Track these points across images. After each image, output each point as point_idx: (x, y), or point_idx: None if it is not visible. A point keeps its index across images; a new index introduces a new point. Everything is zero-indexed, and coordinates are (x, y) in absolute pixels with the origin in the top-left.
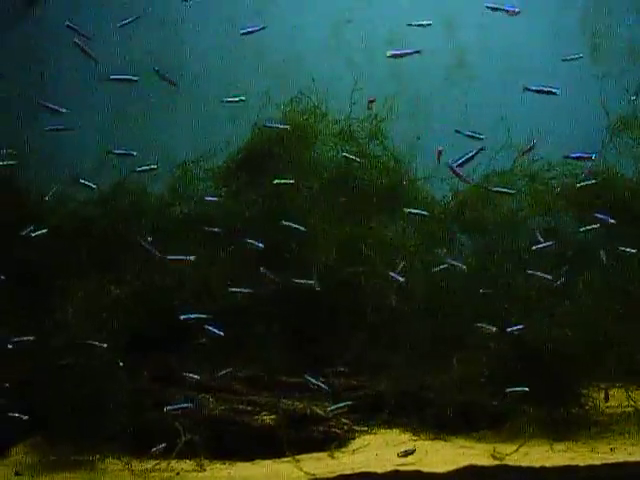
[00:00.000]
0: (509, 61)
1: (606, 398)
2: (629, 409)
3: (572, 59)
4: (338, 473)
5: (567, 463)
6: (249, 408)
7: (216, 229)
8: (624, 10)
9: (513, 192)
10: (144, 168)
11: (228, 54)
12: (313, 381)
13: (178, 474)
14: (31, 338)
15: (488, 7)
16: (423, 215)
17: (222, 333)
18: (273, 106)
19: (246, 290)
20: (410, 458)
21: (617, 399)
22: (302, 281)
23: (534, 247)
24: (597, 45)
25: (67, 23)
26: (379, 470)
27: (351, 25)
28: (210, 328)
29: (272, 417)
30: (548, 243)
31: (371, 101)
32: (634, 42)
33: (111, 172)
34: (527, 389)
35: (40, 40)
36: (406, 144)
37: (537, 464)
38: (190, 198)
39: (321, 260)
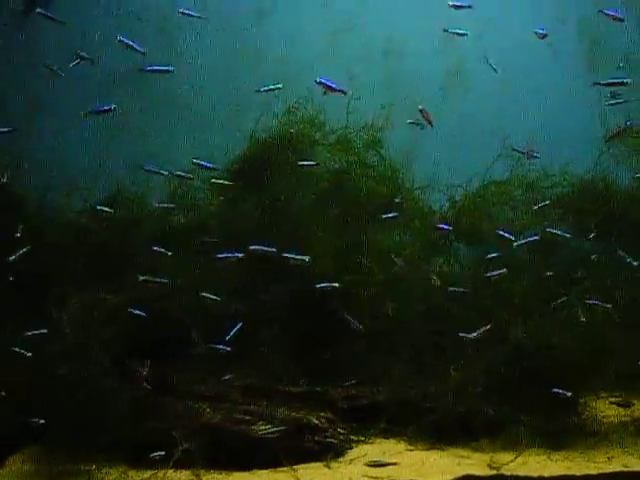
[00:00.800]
0: (505, 70)
1: (626, 405)
2: (626, 418)
3: None
4: None
5: (564, 472)
6: (246, 417)
7: (214, 239)
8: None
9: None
10: (181, 174)
11: (226, 62)
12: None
13: None
14: (44, 331)
15: (451, 5)
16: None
17: (229, 348)
18: (271, 115)
19: (214, 297)
20: (407, 468)
21: (614, 408)
22: (325, 284)
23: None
24: (593, 54)
25: (38, 10)
26: None
27: (349, 33)
28: (219, 346)
29: (269, 426)
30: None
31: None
32: (630, 51)
33: (109, 181)
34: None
35: (39, 46)
36: (403, 153)
37: (534, 473)
38: (188, 207)
39: (319, 268)
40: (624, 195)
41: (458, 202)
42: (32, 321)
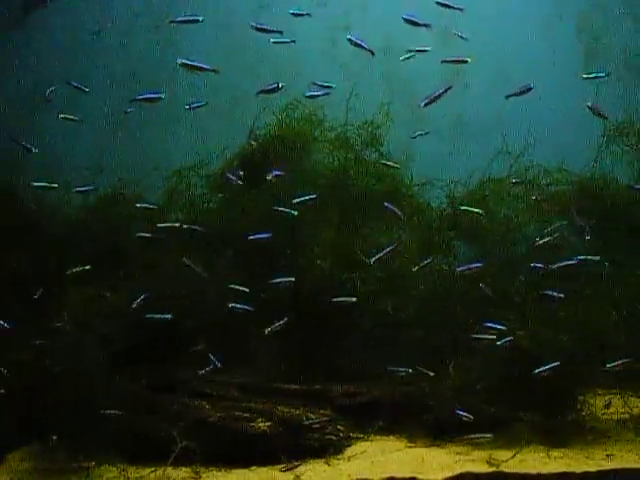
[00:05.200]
0: (505, 67)
1: (607, 406)
2: (625, 416)
3: None
4: None
5: (563, 470)
6: (245, 415)
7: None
8: (619, 17)
9: None
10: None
11: (225, 60)
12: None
13: None
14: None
15: (438, 3)
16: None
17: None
18: (270, 113)
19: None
20: (407, 464)
21: (614, 406)
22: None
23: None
24: (593, 52)
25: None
26: (375, 477)
27: (347, 32)
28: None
29: (268, 424)
30: None
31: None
32: (629, 49)
33: (107, 179)
34: None
35: (36, 47)
36: (402, 151)
37: (533, 471)
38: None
39: (317, 266)
40: (623, 193)
41: (456, 199)
42: (32, 319)
